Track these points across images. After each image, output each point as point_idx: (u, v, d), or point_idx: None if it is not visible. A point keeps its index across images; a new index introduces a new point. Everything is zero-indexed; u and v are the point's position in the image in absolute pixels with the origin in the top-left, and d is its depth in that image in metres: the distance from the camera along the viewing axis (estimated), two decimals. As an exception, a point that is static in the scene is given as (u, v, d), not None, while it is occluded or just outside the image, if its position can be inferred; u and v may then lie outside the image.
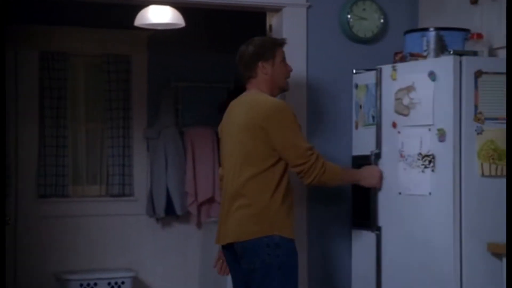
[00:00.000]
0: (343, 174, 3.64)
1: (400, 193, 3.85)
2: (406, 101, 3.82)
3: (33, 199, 5.87)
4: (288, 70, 3.68)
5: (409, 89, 3.82)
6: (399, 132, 3.86)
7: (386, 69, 3.95)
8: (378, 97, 3.98)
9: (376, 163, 3.95)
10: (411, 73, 3.81)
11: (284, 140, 3.43)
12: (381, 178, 3.85)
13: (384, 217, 3.94)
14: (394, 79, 3.90)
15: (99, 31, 6.01)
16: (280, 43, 3.69)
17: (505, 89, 3.63)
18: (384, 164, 3.93)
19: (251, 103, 3.51)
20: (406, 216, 3.83)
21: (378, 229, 3.96)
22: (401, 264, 3.86)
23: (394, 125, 3.89)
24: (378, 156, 3.95)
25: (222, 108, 6.25)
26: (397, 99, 3.87)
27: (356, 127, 4.25)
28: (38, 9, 5.66)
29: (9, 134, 5.77)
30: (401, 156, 3.84)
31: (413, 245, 3.79)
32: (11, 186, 5.77)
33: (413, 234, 3.79)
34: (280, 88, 3.68)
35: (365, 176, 3.80)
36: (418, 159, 3.75)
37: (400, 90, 3.86)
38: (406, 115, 3.83)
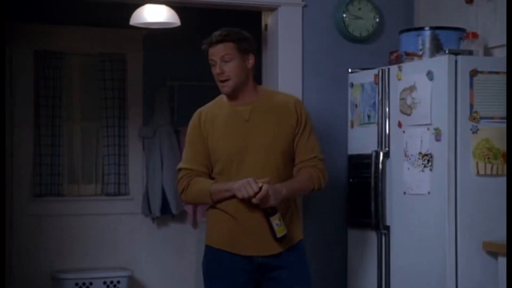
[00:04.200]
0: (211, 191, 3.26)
1: (404, 193, 3.86)
2: (409, 100, 3.83)
3: (28, 198, 5.86)
4: (214, 73, 3.28)
5: (412, 89, 3.83)
6: (404, 132, 3.87)
7: (393, 69, 3.96)
8: (386, 96, 3.99)
9: (377, 163, 3.95)
10: (413, 73, 3.82)
11: None
12: (246, 189, 3.13)
13: (389, 217, 3.95)
14: (399, 79, 3.91)
15: (95, 30, 6.00)
16: (205, 43, 3.30)
17: (501, 88, 3.64)
18: (391, 163, 3.94)
19: None
20: (408, 216, 3.84)
21: (386, 228, 3.96)
22: (402, 264, 3.88)
23: (399, 124, 3.90)
24: (386, 155, 3.96)
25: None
26: (401, 99, 3.88)
27: (352, 126, 4.25)
28: (34, 7, 5.64)
29: (6, 131, 5.76)
30: (405, 155, 3.85)
31: (414, 244, 3.80)
32: (6, 185, 5.76)
33: (414, 234, 3.80)
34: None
35: (236, 188, 3.18)
36: (419, 159, 3.76)
37: (404, 90, 3.87)
38: (409, 115, 3.84)
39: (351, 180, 4.24)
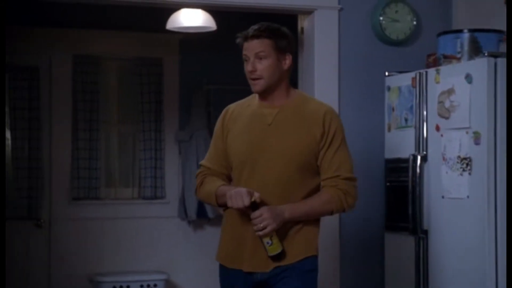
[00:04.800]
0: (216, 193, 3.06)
1: (443, 197, 3.82)
2: (447, 104, 3.80)
3: (66, 202, 5.92)
4: (246, 69, 3.03)
5: (450, 92, 3.79)
6: (442, 135, 3.83)
7: (431, 72, 3.93)
8: (424, 100, 3.95)
9: (415, 166, 3.92)
10: (452, 76, 3.79)
11: None
12: (236, 199, 2.87)
13: (427, 221, 3.91)
14: (437, 82, 3.87)
15: (132, 35, 6.05)
16: (240, 37, 3.06)
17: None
18: (429, 167, 3.90)
19: None
20: (447, 220, 3.80)
21: (424, 232, 3.92)
22: (441, 268, 3.84)
23: (437, 128, 3.87)
24: (424, 159, 3.92)
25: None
26: (439, 102, 3.84)
27: (389, 130, 4.22)
28: (72, 12, 5.70)
29: (43, 137, 5.83)
30: (443, 159, 3.81)
31: (453, 249, 3.76)
32: (44, 188, 5.83)
33: (452, 238, 3.76)
34: None
35: (229, 196, 2.94)
36: (457, 162, 3.72)
37: (442, 93, 3.83)
38: (447, 118, 3.80)
39: (388, 184, 4.21)
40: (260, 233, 2.85)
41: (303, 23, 4.45)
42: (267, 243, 2.87)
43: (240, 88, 6.19)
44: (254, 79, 3.00)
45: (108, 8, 5.31)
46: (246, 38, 3.00)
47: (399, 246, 4.10)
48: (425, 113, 3.95)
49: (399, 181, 4.09)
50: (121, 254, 5.98)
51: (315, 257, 3.02)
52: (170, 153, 6.15)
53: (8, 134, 5.85)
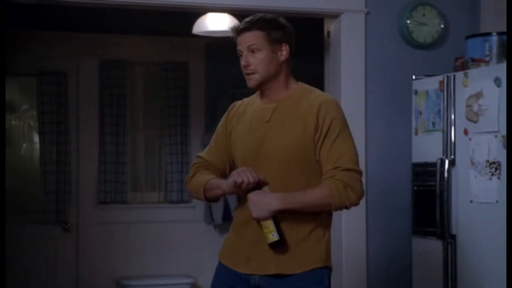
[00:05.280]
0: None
1: (471, 202, 3.78)
2: (475, 107, 3.76)
3: (93, 206, 5.95)
4: (241, 64, 2.83)
5: (478, 95, 3.76)
6: (470, 139, 3.80)
7: (459, 76, 3.90)
8: (452, 103, 3.93)
9: (442, 171, 3.89)
10: (480, 80, 3.76)
11: None
12: (246, 174, 2.69)
13: (456, 225, 3.88)
14: (465, 86, 3.84)
15: (158, 39, 6.08)
16: (232, 31, 2.87)
17: None
18: (457, 171, 3.87)
19: None
20: (476, 225, 3.77)
21: (452, 237, 3.89)
22: (469, 274, 3.80)
23: (465, 132, 3.84)
24: (452, 163, 3.89)
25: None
26: (467, 106, 3.81)
27: (416, 134, 4.19)
28: (99, 18, 5.74)
29: (71, 141, 5.87)
30: (472, 163, 3.78)
31: (481, 254, 3.73)
32: (72, 192, 5.86)
33: (481, 243, 3.73)
34: None
35: (235, 173, 2.75)
36: (486, 167, 3.69)
37: (471, 96, 3.80)
38: (475, 122, 3.77)
39: (415, 188, 4.18)
40: (253, 215, 2.65)
41: (330, 26, 4.44)
42: (264, 229, 2.65)
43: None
44: (248, 74, 2.79)
45: (134, 13, 5.33)
46: (238, 32, 2.80)
47: (427, 251, 4.07)
48: (453, 116, 3.92)
49: (426, 185, 4.06)
50: (147, 258, 6.00)
51: (326, 269, 2.73)
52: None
53: (36, 138, 5.90)
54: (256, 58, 2.76)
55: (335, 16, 4.34)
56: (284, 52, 2.79)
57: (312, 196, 2.66)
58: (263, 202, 2.64)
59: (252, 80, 2.78)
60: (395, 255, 4.31)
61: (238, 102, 2.95)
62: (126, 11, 4.93)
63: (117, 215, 5.99)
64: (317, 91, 2.85)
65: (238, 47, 2.79)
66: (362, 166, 2.77)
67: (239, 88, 6.24)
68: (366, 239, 4.26)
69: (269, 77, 2.78)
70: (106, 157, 5.95)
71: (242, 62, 2.78)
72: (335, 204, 2.66)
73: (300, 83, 2.87)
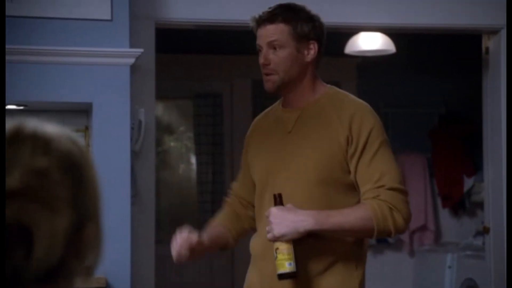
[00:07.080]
0: None
1: None
2: None
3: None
4: (259, 62, 2.36)
5: None
6: None
7: None
8: None
9: None
10: None
11: None
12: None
13: None
14: None
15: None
16: (252, 22, 2.37)
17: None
18: None
19: None
20: None
21: None
22: None
23: None
24: None
25: (433, 134, 6.11)
26: None
27: None
28: (247, 39, 5.84)
29: (226, 161, 5.98)
30: None
31: None
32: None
33: None
34: None
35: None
36: None
37: None
38: None
39: None
40: (268, 236, 2.18)
41: (488, 42, 4.28)
42: (275, 254, 2.16)
43: (417, 110, 6.11)
44: (266, 74, 2.31)
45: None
46: (258, 23, 2.32)
47: None
48: None
49: None
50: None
51: None
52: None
53: (193, 159, 6.08)
54: (277, 55, 2.29)
55: (494, 31, 4.18)
56: (312, 51, 2.33)
57: (352, 217, 2.16)
58: (290, 220, 2.13)
59: (270, 82, 2.31)
60: None
61: (258, 116, 2.53)
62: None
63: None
64: (349, 96, 2.38)
65: (257, 42, 2.33)
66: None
67: (391, 107, 6.17)
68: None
69: (290, 80, 2.30)
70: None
71: (261, 60, 2.31)
72: (379, 228, 2.17)
73: (329, 86, 2.40)
